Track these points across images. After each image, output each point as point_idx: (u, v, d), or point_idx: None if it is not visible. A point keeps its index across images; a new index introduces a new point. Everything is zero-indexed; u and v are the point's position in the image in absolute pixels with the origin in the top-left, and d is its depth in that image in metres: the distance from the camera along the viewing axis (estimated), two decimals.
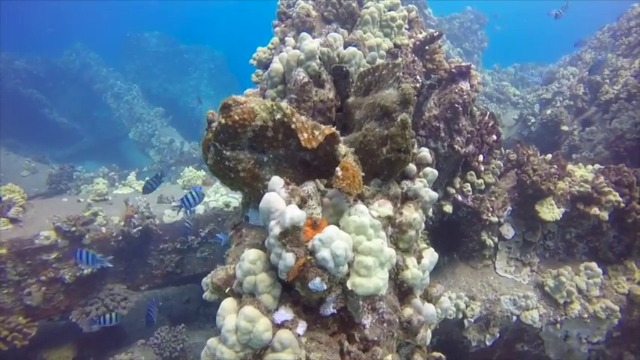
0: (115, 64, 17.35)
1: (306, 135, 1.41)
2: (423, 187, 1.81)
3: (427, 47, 3.99)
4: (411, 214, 1.60)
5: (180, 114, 15.89)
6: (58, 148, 14.23)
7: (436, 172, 1.94)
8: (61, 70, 15.54)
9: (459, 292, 3.99)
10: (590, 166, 4.88)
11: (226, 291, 1.39)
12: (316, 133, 1.41)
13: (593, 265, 4.09)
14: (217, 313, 1.32)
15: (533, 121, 9.57)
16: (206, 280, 2.23)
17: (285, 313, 1.30)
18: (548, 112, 9.03)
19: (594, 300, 4.00)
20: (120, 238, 5.09)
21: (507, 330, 4.09)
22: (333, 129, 1.43)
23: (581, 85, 8.88)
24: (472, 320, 3.89)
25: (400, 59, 3.44)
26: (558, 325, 4.00)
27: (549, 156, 4.67)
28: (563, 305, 4.02)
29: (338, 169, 1.36)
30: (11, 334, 4.28)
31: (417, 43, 3.86)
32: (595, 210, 4.15)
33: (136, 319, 5.78)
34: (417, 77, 3.53)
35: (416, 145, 2.03)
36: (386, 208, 1.59)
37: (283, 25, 3.17)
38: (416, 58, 3.64)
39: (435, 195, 1.85)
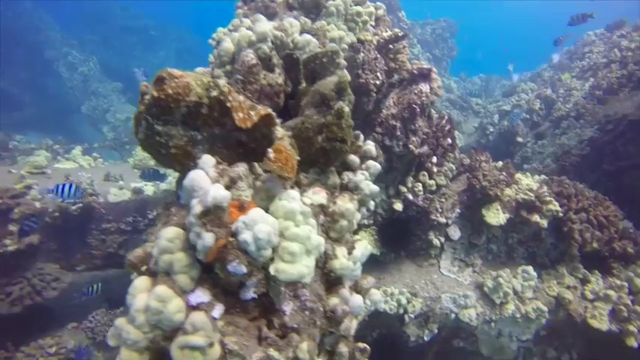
0: (73, 32, 16.24)
1: (241, 114, 1.35)
2: (364, 179, 1.80)
3: (391, 46, 4.00)
4: (345, 204, 1.58)
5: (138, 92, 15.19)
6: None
7: (379, 167, 1.93)
8: (7, 31, 14.22)
9: (402, 288, 4.06)
10: (537, 176, 5.11)
11: (142, 269, 1.31)
12: (252, 113, 1.36)
13: (530, 268, 4.28)
14: (128, 291, 1.24)
15: (491, 130, 9.94)
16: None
17: (201, 295, 1.24)
18: (506, 123, 9.42)
19: (527, 301, 4.20)
20: (57, 214, 4.78)
21: (445, 327, 4.22)
22: (269, 110, 1.38)
23: (538, 101, 9.30)
24: (412, 316, 3.98)
25: (362, 54, 3.43)
26: (493, 324, 4.16)
27: (500, 163, 4.84)
28: (499, 305, 4.18)
29: (270, 150, 1.32)
30: None
31: (382, 41, 3.86)
32: (536, 217, 4.34)
33: (68, 301, 5.45)
34: (378, 74, 3.53)
35: (362, 138, 2.01)
36: (320, 196, 1.56)
37: (246, 8, 3.07)
38: (378, 56, 3.64)
39: (375, 188, 1.84)
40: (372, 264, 4.47)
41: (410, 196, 4.22)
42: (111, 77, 14.93)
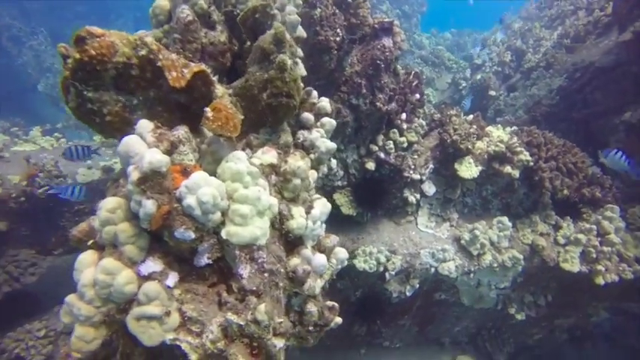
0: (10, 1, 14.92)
1: (174, 74, 1.27)
2: (319, 137, 1.76)
3: (350, 0, 3.86)
4: (296, 162, 1.54)
5: None
6: None
7: (334, 123, 1.89)
8: None
9: (381, 246, 4.12)
10: (508, 128, 5.14)
11: (89, 243, 1.26)
12: (185, 71, 1.28)
13: (505, 219, 4.38)
14: (74, 266, 1.20)
15: (464, 85, 9.93)
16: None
17: (152, 265, 1.21)
18: (478, 77, 9.40)
19: (503, 251, 4.32)
20: (22, 199, 4.62)
21: (426, 281, 4.33)
22: (203, 66, 1.30)
23: (509, 53, 9.27)
24: (393, 273, 4.06)
25: (319, 10, 3.30)
26: (472, 275, 4.29)
27: (470, 117, 4.84)
28: (477, 256, 4.30)
29: (207, 109, 1.25)
30: None
31: None
32: (508, 169, 4.39)
33: (49, 286, 5.39)
34: (338, 31, 3.42)
35: (315, 94, 1.94)
36: (269, 155, 1.52)
37: None
38: (337, 11, 3.51)
39: (332, 145, 1.80)
40: (349, 224, 4.51)
41: (382, 155, 4.20)
42: None
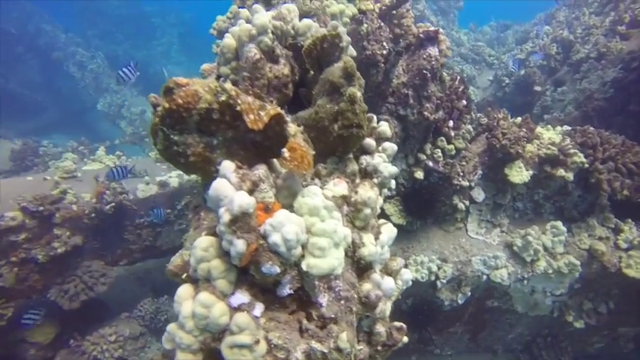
0: (75, 29, 16.23)
1: (252, 116, 1.37)
2: (382, 162, 1.81)
3: (394, 12, 3.88)
4: (366, 192, 1.60)
5: (151, 82, 15.21)
6: (21, 120, 13.45)
7: (395, 147, 1.93)
8: (13, 36, 14.23)
9: (432, 255, 4.11)
10: (558, 128, 4.97)
11: (183, 277, 1.39)
12: (262, 114, 1.38)
13: (559, 224, 4.25)
14: (174, 299, 1.33)
15: (507, 81, 9.59)
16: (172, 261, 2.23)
17: (241, 297, 1.31)
18: (522, 72, 9.06)
19: (558, 256, 4.20)
20: (93, 215, 5.00)
21: (478, 288, 4.28)
22: (279, 109, 1.39)
23: (555, 45, 8.87)
24: (444, 281, 4.05)
25: (365, 25, 3.35)
26: (525, 282, 4.20)
27: (519, 119, 4.72)
28: (530, 263, 4.20)
29: (285, 150, 1.34)
30: None
31: (384, 7, 3.75)
32: (561, 171, 4.26)
33: (117, 294, 5.80)
34: (384, 44, 3.45)
35: (375, 119, 2.00)
36: (340, 187, 1.59)
37: None
38: (382, 24, 3.54)
39: (394, 170, 1.85)
40: (399, 234, 4.50)
41: (430, 163, 4.20)
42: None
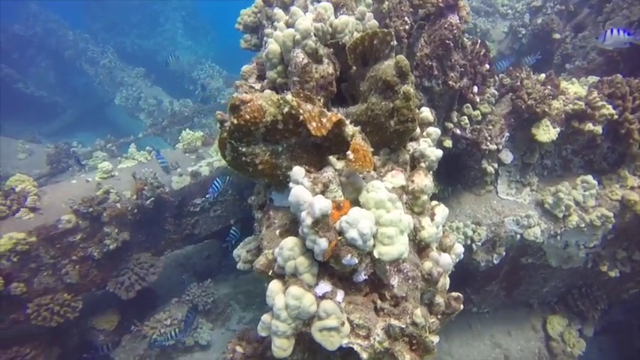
0: (79, 25, 16.32)
1: (314, 124, 1.51)
2: (428, 147, 1.94)
3: None
4: (422, 180, 1.74)
5: (162, 71, 15.19)
6: (44, 123, 13.90)
7: (439, 131, 2.05)
8: (23, 39, 14.49)
9: (466, 219, 4.26)
10: (583, 79, 4.91)
11: (269, 274, 1.58)
12: (324, 120, 1.51)
13: (589, 177, 4.31)
14: (266, 294, 1.52)
15: (523, 32, 9.29)
16: (237, 251, 2.44)
17: (324, 286, 1.50)
18: (539, 20, 8.75)
19: (590, 210, 4.28)
20: (135, 211, 5.29)
21: (512, 247, 4.42)
22: (339, 115, 1.52)
23: None
24: (480, 244, 4.21)
25: (387, 3, 3.37)
26: (558, 237, 4.32)
27: (542, 76, 4.68)
28: (562, 219, 4.30)
29: (349, 152, 1.48)
30: (62, 309, 4.72)
31: None
32: (589, 126, 4.27)
33: (164, 281, 6.20)
34: (406, 19, 3.48)
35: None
36: (398, 178, 1.73)
37: None
38: None
39: (440, 153, 1.97)
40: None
41: (458, 131, 4.27)
42: (130, 62, 15.08)
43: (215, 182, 5.16)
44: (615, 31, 4.33)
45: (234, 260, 2.50)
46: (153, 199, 5.32)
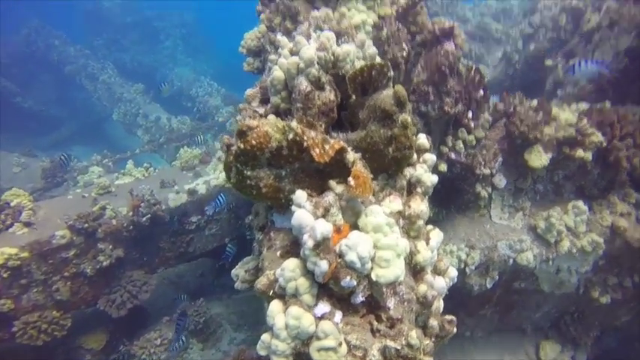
0: (81, 41, 16.53)
1: (318, 150, 1.58)
2: (424, 172, 2.01)
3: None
4: (418, 206, 1.81)
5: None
6: (41, 136, 13.93)
7: (434, 158, 2.13)
8: (25, 54, 14.66)
9: (459, 243, 4.31)
10: (574, 106, 5.06)
11: (270, 294, 1.61)
12: (326, 147, 1.58)
13: (580, 203, 4.40)
14: (267, 314, 1.56)
15: (517, 58, 9.53)
16: (235, 271, 2.47)
17: (323, 307, 1.54)
18: (531, 47, 9.00)
19: (581, 235, 4.35)
20: (131, 227, 5.29)
21: (505, 272, 4.47)
22: (341, 143, 1.60)
23: (564, 14, 8.70)
24: (473, 268, 4.25)
25: (385, 30, 3.50)
26: (550, 262, 4.38)
27: (535, 102, 4.82)
28: (554, 244, 4.37)
29: (350, 179, 1.55)
30: (50, 327, 4.65)
31: (400, 10, 3.88)
32: (580, 152, 4.38)
33: (156, 300, 6.14)
34: (404, 45, 3.60)
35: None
36: (396, 203, 1.80)
37: (268, 11, 3.20)
38: (400, 26, 3.69)
39: (435, 179, 2.04)
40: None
41: (452, 155, 4.36)
42: (129, 79, 15.20)
43: (219, 197, 5.21)
44: (583, 62, 4.50)
45: (228, 279, 2.52)
46: (149, 215, 5.33)
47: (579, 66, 4.57)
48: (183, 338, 5.28)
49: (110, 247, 5.14)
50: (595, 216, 4.53)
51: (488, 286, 4.34)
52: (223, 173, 6.35)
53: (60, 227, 4.86)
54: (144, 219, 5.25)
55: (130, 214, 5.26)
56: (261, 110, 2.28)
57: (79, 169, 8.43)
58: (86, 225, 4.89)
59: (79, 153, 11.50)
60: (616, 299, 4.59)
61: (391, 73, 1.88)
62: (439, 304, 1.85)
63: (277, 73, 2.08)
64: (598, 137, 4.38)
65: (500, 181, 4.62)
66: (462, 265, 4.19)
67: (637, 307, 4.83)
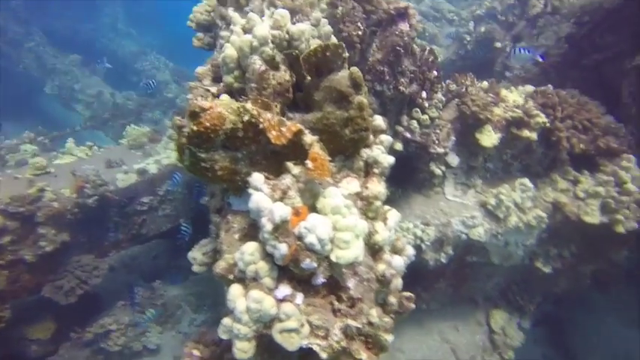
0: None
1: (274, 132, 1.53)
2: (380, 153, 2.02)
3: None
4: (376, 187, 1.82)
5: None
6: None
7: (391, 139, 2.14)
8: None
9: (415, 220, 4.44)
10: (521, 88, 5.28)
11: (230, 278, 1.57)
12: (283, 129, 1.54)
13: (526, 180, 4.66)
14: (227, 298, 1.53)
15: (468, 39, 9.74)
16: (192, 254, 2.40)
17: (284, 290, 1.53)
18: (482, 29, 9.24)
19: (527, 211, 4.62)
20: (76, 210, 4.97)
21: (458, 247, 4.67)
22: (298, 125, 1.56)
23: None
24: (428, 244, 4.40)
25: (340, 8, 3.44)
26: (500, 236, 4.62)
27: (485, 84, 5.00)
28: (504, 219, 4.61)
29: (308, 161, 1.52)
30: None
31: None
32: (526, 132, 4.61)
33: (109, 284, 5.89)
34: (359, 24, 3.57)
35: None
36: (353, 185, 1.80)
37: None
38: (355, 4, 3.64)
39: (392, 160, 2.06)
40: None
41: (407, 135, 4.43)
42: (64, 49, 13.62)
43: (175, 176, 5.17)
44: (519, 50, 4.79)
45: (184, 260, 2.45)
46: (96, 197, 5.04)
47: (514, 53, 4.95)
48: (152, 310, 5.16)
49: (53, 231, 4.82)
50: (539, 192, 4.81)
51: (444, 261, 4.52)
52: (175, 152, 6.13)
53: None
54: (90, 200, 4.95)
55: (74, 195, 4.94)
56: (214, 89, 2.17)
57: (8, 147, 7.60)
58: (22, 209, 4.53)
59: (8, 129, 10.39)
60: (556, 268, 4.96)
61: (346, 54, 1.85)
62: (398, 282, 1.89)
63: (230, 51, 1.98)
64: (542, 118, 4.63)
65: (454, 159, 4.78)
66: (418, 242, 4.33)
67: (573, 275, 5.25)
